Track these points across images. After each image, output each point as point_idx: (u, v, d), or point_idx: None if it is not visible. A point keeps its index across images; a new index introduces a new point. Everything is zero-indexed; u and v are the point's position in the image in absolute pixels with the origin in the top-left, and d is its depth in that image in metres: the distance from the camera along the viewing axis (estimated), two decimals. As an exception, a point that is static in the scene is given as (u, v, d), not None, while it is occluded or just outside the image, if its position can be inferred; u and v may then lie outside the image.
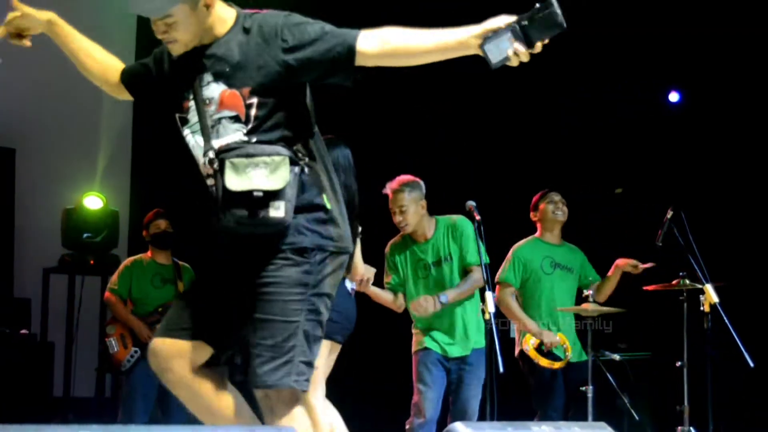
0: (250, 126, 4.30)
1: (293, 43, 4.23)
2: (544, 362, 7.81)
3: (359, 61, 4.22)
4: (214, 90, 4.34)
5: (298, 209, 4.24)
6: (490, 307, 6.74)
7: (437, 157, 7.93)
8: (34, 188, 10.07)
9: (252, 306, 4.22)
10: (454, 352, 7.49)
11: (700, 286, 7.66)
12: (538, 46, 3.97)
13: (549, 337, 7.81)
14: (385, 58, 4.24)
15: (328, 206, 4.33)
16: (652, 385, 9.45)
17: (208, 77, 4.37)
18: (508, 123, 11.76)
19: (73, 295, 10.96)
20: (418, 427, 7.39)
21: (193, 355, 4.41)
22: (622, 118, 11.23)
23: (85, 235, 10.53)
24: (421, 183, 7.51)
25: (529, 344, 7.83)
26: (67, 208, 10.52)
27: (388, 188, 7.50)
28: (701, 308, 7.67)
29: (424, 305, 7.27)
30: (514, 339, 8.13)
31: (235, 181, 4.15)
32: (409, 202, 7.44)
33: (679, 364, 7.81)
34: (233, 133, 4.31)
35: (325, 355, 6.35)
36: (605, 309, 7.85)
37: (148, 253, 8.75)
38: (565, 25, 3.90)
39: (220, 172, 4.19)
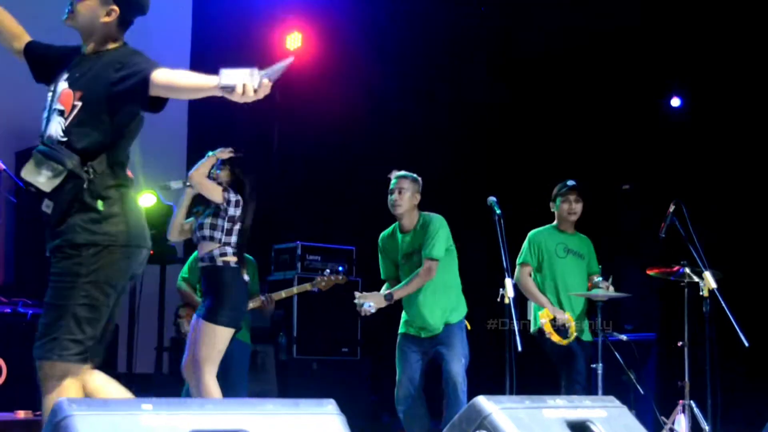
0: (67, 122, 4.59)
1: (121, 73, 4.58)
2: (555, 338, 7.88)
3: (153, 90, 4.51)
4: (61, 86, 4.70)
5: (75, 211, 4.55)
6: (509, 292, 6.87)
7: (460, 152, 7.98)
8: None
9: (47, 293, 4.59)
10: (425, 333, 7.65)
11: (697, 279, 7.67)
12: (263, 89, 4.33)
13: (560, 315, 7.90)
14: (170, 91, 4.58)
15: (101, 208, 4.54)
16: (656, 363, 9.48)
17: (65, 75, 4.70)
18: (527, 124, 11.83)
19: (135, 282, 11.10)
20: (396, 402, 7.73)
21: None
22: (628, 119, 11.25)
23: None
24: (420, 181, 7.70)
25: (545, 318, 7.91)
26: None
27: (394, 173, 7.66)
28: (701, 293, 7.64)
29: (366, 305, 7.66)
30: (529, 320, 8.12)
31: (26, 171, 4.57)
32: (408, 186, 7.55)
33: (680, 344, 7.82)
34: (56, 125, 4.62)
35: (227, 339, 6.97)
36: (612, 293, 7.87)
37: None
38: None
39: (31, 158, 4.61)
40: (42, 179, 4.51)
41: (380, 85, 12.12)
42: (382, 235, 7.96)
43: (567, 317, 7.89)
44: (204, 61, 12.09)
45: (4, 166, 9.80)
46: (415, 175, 7.70)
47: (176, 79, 4.54)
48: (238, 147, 7.23)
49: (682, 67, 11.18)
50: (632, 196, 9.70)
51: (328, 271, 8.93)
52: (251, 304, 8.24)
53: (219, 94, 4.31)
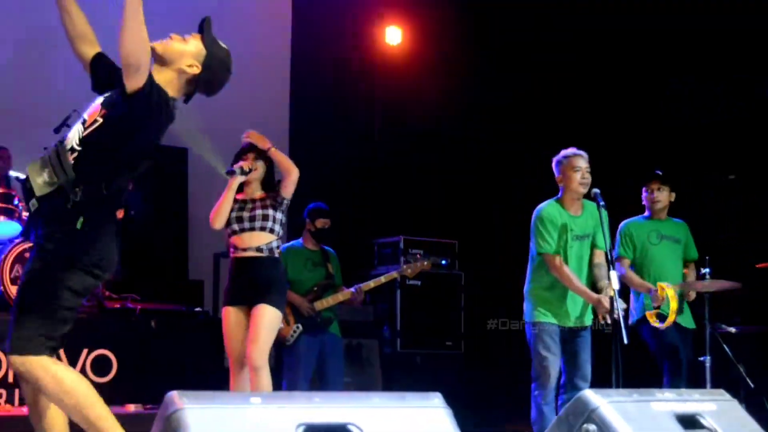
0: (85, 133, 4.64)
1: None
2: (652, 320, 7.71)
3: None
4: (99, 99, 4.77)
5: (57, 220, 4.59)
6: (615, 284, 6.79)
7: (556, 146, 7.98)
8: (204, 183, 10.33)
9: None
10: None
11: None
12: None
13: (653, 292, 7.72)
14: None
15: (78, 227, 4.57)
16: (766, 356, 9.38)
17: (109, 91, 4.74)
18: (629, 111, 11.75)
19: (218, 277, 11.19)
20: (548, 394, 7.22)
21: None
22: (733, 111, 11.15)
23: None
24: None
25: (648, 317, 7.75)
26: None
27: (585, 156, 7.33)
28: None
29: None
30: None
31: (31, 167, 4.62)
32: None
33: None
34: (76, 133, 4.68)
35: None
36: (722, 285, 7.76)
37: (303, 240, 8.76)
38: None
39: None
40: (39, 181, 4.56)
41: (479, 79, 12.09)
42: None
43: (658, 293, 7.71)
44: (304, 55, 12.20)
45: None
46: None
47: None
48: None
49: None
50: (738, 187, 9.58)
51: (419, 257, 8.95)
52: (340, 297, 8.28)
53: None
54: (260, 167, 7.08)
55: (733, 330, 8.72)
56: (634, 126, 11.56)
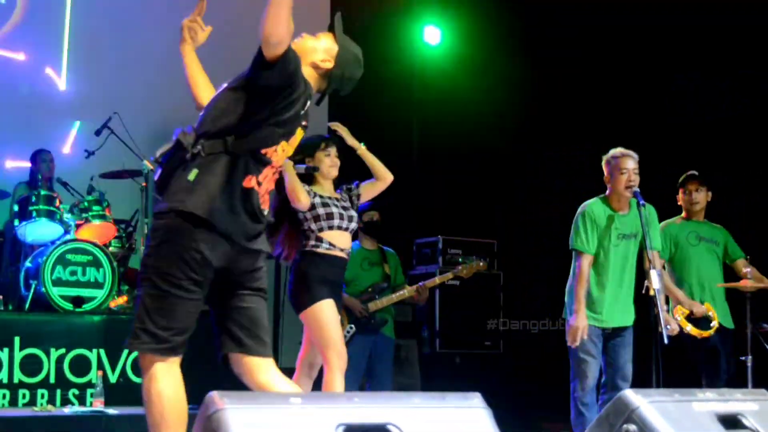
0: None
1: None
2: (694, 331, 7.71)
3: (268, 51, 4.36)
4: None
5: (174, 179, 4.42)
6: (655, 284, 6.79)
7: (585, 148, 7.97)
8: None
9: None
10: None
11: None
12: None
13: (697, 307, 7.76)
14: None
15: (191, 178, 4.41)
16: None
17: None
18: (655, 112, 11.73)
19: (279, 279, 11.26)
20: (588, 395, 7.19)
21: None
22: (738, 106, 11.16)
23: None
24: None
25: (679, 314, 7.73)
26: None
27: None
28: None
29: None
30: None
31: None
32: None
33: (836, 335, 7.77)
34: None
35: None
36: (763, 285, 7.75)
37: (358, 241, 8.74)
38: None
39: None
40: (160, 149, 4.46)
41: (518, 80, 12.08)
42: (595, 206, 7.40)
43: (704, 309, 7.76)
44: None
45: (149, 167, 10.05)
46: None
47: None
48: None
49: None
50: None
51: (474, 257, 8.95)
52: (395, 298, 8.28)
53: None
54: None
55: (774, 329, 8.71)
56: (644, 122, 11.55)
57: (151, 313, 4.33)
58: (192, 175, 4.36)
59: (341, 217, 6.71)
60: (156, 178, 4.48)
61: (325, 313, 6.57)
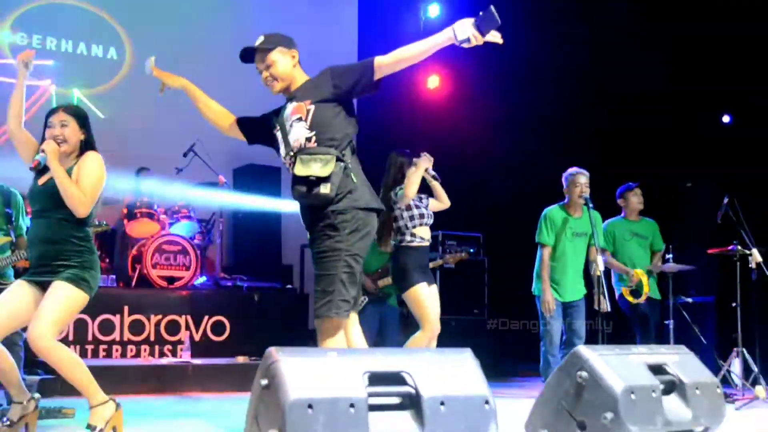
0: (309, 123, 4.28)
1: (337, 73, 4.35)
2: (631, 299, 7.72)
3: (379, 73, 4.26)
4: (288, 109, 4.41)
5: (345, 188, 4.21)
6: (601, 267, 6.81)
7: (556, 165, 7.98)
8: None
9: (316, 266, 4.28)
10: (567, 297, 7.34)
11: (748, 251, 7.60)
12: (489, 36, 4.11)
13: (632, 275, 7.72)
14: (398, 64, 4.27)
15: (355, 180, 4.27)
16: (715, 320, 9.31)
17: (286, 107, 4.44)
18: (621, 145, 11.68)
19: (304, 258, 11.24)
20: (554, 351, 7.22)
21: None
22: (692, 133, 11.11)
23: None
24: None
25: (623, 289, 7.78)
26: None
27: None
28: (749, 265, 7.52)
29: None
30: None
31: (300, 169, 4.20)
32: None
33: (734, 304, 7.62)
34: (299, 130, 4.29)
35: None
36: (681, 266, 7.71)
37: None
38: (499, 21, 4.06)
39: (293, 163, 4.27)
40: (317, 168, 4.17)
41: (494, 113, 12.06)
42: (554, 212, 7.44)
43: (635, 277, 7.74)
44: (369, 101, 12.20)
45: (225, 180, 10.06)
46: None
47: (401, 54, 4.28)
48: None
49: (731, 94, 10.98)
50: (695, 192, 9.52)
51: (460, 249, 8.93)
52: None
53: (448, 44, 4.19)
54: None
55: (690, 300, 8.71)
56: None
57: (348, 286, 4.17)
58: (354, 176, 4.28)
59: (426, 216, 6.54)
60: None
61: (424, 293, 6.37)
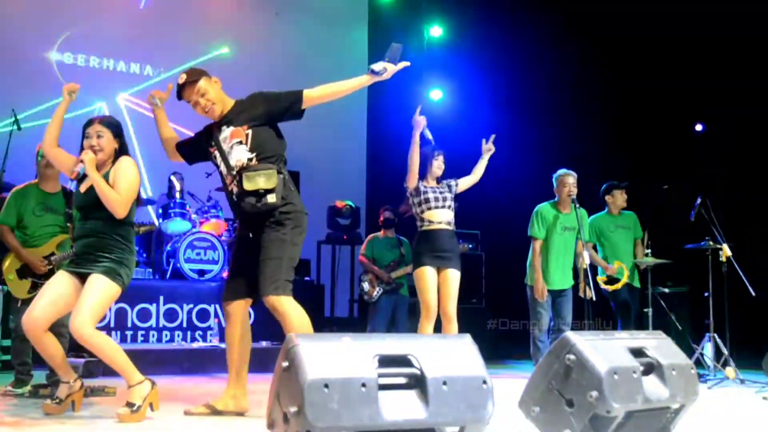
0: (249, 146, 4.53)
1: (270, 99, 4.64)
2: (609, 287, 7.67)
3: (306, 104, 4.62)
4: (225, 132, 4.64)
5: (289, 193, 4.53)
6: (587, 260, 6.83)
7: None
8: (311, 194, 10.40)
9: (261, 254, 4.50)
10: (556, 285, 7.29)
11: (719, 246, 7.60)
12: (399, 65, 4.75)
13: (610, 269, 7.70)
14: (323, 99, 4.66)
15: (293, 188, 4.59)
16: (689, 308, 9.29)
17: (222, 130, 4.67)
18: (607, 153, 11.64)
19: (335, 256, 11.25)
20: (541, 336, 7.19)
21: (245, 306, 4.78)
22: (668, 140, 11.10)
23: (340, 221, 10.89)
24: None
25: (600, 279, 7.72)
26: (330, 206, 10.88)
27: None
28: (720, 259, 7.53)
29: None
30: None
31: (248, 185, 4.45)
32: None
33: (706, 294, 7.68)
34: (240, 152, 4.55)
35: None
36: (658, 260, 7.68)
37: (381, 232, 8.66)
38: (402, 48, 4.73)
39: (238, 181, 4.51)
40: (262, 182, 4.45)
41: (493, 126, 12.04)
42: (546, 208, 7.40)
43: (615, 268, 7.71)
44: (377, 105, 12.19)
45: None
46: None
47: (327, 91, 4.68)
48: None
49: (705, 103, 10.97)
50: (671, 193, 9.49)
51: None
52: (408, 269, 8.21)
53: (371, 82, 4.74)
54: None
55: (666, 290, 8.70)
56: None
57: (291, 269, 4.50)
58: (291, 185, 4.61)
59: (434, 200, 6.22)
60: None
61: (428, 277, 6.09)
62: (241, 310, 4.75)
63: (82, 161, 4.54)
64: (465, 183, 6.50)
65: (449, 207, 6.27)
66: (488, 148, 6.55)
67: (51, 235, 5.74)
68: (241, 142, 4.56)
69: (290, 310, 4.47)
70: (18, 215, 5.70)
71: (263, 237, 4.51)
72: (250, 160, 4.52)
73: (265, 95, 4.67)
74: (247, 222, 4.65)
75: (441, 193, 6.27)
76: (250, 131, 4.57)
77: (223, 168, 4.65)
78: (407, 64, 4.75)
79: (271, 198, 4.44)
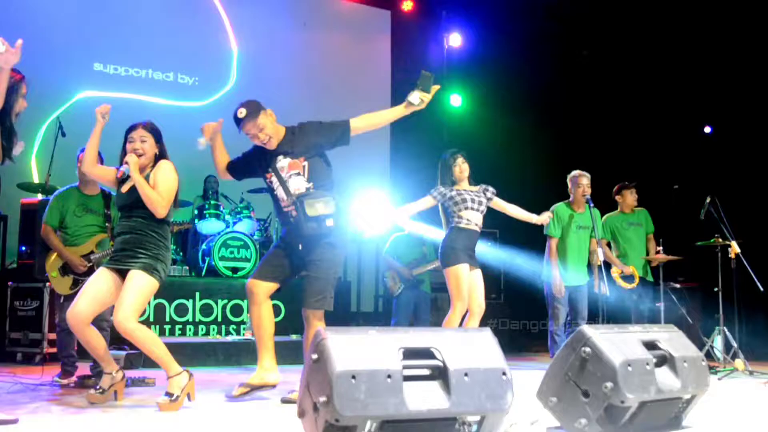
0: (306, 176, 4.77)
1: (322, 132, 4.85)
2: (623, 285, 7.64)
3: (353, 133, 4.86)
4: (282, 162, 4.84)
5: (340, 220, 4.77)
6: (601, 257, 6.80)
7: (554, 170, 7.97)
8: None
9: (311, 270, 4.77)
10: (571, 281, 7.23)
11: (728, 243, 7.55)
12: (432, 92, 4.89)
13: (626, 268, 7.67)
14: (367, 128, 4.92)
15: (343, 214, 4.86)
16: (700, 302, 9.23)
17: (277, 158, 4.85)
18: (619, 151, 11.57)
19: (360, 254, 11.28)
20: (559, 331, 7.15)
21: (267, 290, 4.95)
22: (678, 142, 11.01)
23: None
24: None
25: (615, 273, 7.68)
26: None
27: None
28: (729, 256, 7.49)
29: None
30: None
31: (310, 211, 4.67)
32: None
33: (716, 289, 7.62)
34: (299, 182, 4.78)
35: None
36: (670, 257, 7.66)
37: (405, 231, 8.47)
38: (432, 76, 4.83)
39: (296, 208, 4.72)
40: (321, 208, 4.67)
41: (510, 129, 12.02)
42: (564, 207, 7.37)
43: (631, 269, 7.67)
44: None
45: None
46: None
47: (370, 121, 4.93)
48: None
49: (712, 106, 10.88)
50: (680, 193, 9.42)
51: None
52: (429, 266, 8.19)
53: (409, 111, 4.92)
54: None
55: (678, 286, 8.65)
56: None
57: (333, 288, 4.81)
58: (342, 209, 4.92)
59: (470, 202, 6.16)
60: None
61: (463, 275, 6.03)
62: (263, 291, 4.92)
63: (126, 163, 4.59)
64: (498, 204, 6.41)
65: (481, 212, 6.24)
66: (542, 220, 6.50)
67: (90, 235, 5.83)
68: (299, 173, 4.78)
69: (319, 323, 4.81)
70: (60, 216, 5.81)
71: (317, 253, 4.75)
72: (308, 189, 4.75)
73: (316, 127, 4.87)
74: (303, 238, 4.80)
75: (477, 196, 6.23)
76: (306, 163, 4.79)
77: (280, 193, 4.86)
78: (438, 87, 4.92)
79: (329, 222, 4.68)
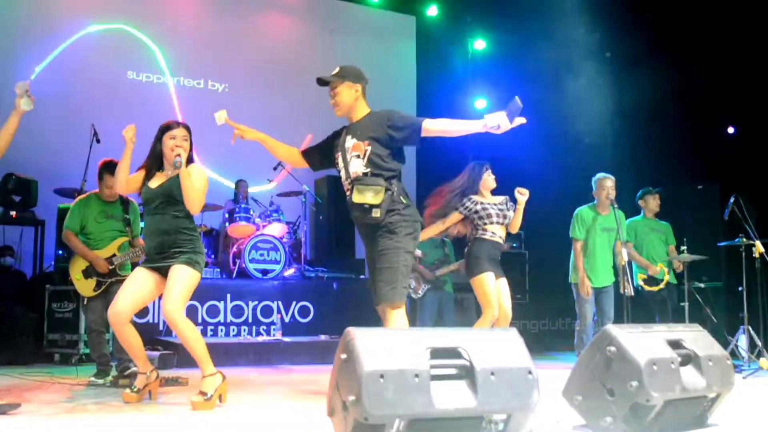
0: (365, 161, 4.54)
1: (394, 122, 4.57)
2: (648, 287, 7.58)
3: (424, 134, 4.52)
4: (349, 143, 4.65)
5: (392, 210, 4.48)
6: (625, 258, 6.74)
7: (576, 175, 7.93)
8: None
9: (379, 262, 4.48)
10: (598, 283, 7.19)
11: (752, 242, 7.47)
12: (515, 122, 4.50)
13: (652, 269, 7.60)
14: (439, 133, 4.52)
15: (405, 201, 4.53)
16: (724, 302, 9.14)
17: (347, 138, 4.68)
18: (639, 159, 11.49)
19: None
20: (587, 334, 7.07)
21: None
22: (702, 143, 10.90)
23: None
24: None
25: (639, 279, 7.65)
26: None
27: None
28: (753, 255, 7.40)
29: None
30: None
31: (356, 197, 4.49)
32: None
33: (740, 288, 7.54)
34: (357, 164, 4.57)
35: None
36: (694, 257, 7.58)
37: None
38: (521, 106, 4.42)
39: (351, 190, 4.55)
40: (370, 197, 4.47)
41: (534, 132, 11.93)
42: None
43: (658, 268, 7.61)
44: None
45: (307, 188, 10.13)
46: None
47: (445, 126, 4.55)
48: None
49: (736, 107, 10.76)
50: (704, 193, 9.33)
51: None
52: (452, 267, 8.16)
53: (484, 131, 4.47)
54: None
55: (702, 285, 8.56)
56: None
57: (405, 276, 4.44)
58: (403, 198, 4.59)
59: (496, 216, 6.21)
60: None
61: (490, 283, 6.06)
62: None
63: (179, 156, 4.63)
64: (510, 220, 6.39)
65: (505, 225, 6.29)
66: (521, 193, 6.31)
67: (111, 239, 5.96)
68: (359, 156, 4.59)
69: (392, 322, 4.44)
70: (81, 222, 5.96)
71: (379, 244, 4.50)
72: (365, 174, 4.54)
73: (392, 119, 4.60)
74: (359, 227, 4.68)
75: (501, 211, 6.26)
76: (368, 148, 4.57)
77: (343, 174, 4.70)
78: (524, 121, 4.55)
79: (376, 213, 4.46)
